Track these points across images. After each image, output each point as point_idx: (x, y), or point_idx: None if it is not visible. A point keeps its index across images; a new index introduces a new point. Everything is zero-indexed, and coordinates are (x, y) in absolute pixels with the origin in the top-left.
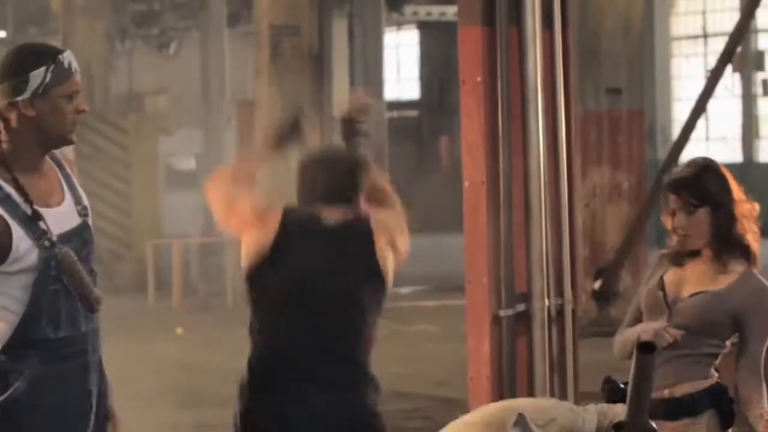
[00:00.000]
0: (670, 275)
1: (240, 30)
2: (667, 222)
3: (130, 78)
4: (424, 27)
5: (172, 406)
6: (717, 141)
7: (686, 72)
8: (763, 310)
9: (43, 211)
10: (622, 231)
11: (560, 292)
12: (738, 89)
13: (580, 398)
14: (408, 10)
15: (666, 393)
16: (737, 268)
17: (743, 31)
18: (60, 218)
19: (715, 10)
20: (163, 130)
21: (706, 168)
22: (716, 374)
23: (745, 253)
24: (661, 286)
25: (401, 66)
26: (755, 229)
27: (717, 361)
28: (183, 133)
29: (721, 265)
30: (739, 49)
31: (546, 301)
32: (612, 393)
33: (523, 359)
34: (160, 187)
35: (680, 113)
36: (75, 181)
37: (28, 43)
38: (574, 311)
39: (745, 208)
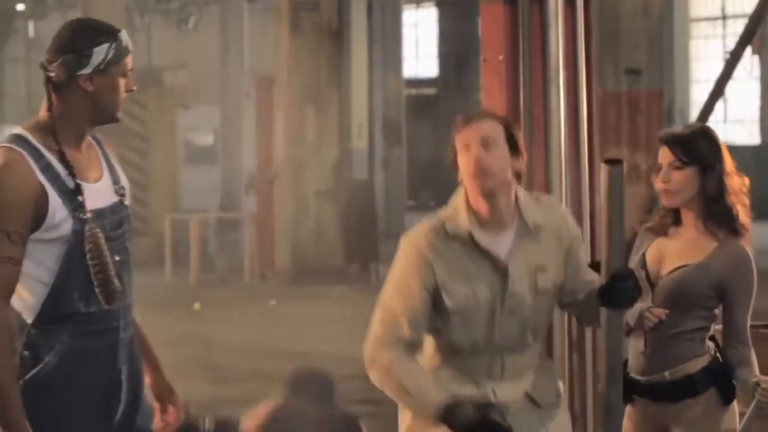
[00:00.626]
0: (652, 251)
1: (259, 5)
2: (656, 181)
3: (149, 53)
4: (443, 5)
5: (191, 381)
6: (735, 123)
7: (705, 53)
8: (744, 278)
9: (83, 185)
10: (640, 211)
11: None
12: (757, 71)
13: (598, 378)
14: None
15: (667, 375)
16: (719, 236)
17: (763, 13)
18: (96, 194)
19: None
20: (181, 105)
21: (702, 132)
22: (712, 346)
23: (731, 223)
24: (643, 263)
25: (420, 44)
26: (746, 202)
27: (710, 333)
28: (201, 109)
29: (705, 232)
30: (758, 32)
31: None
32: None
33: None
34: (179, 162)
35: (698, 95)
36: (114, 161)
37: (85, 18)
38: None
39: (736, 181)
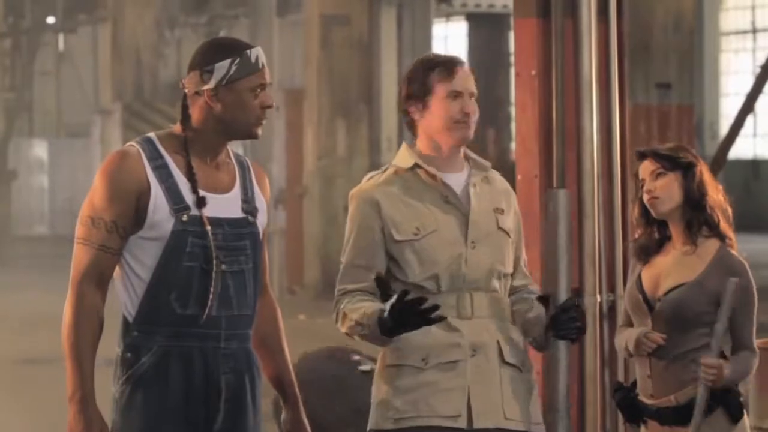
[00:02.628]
0: (647, 271)
1: (289, 19)
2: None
3: (179, 66)
4: (473, 18)
5: None
6: (765, 137)
7: (735, 67)
8: (742, 288)
9: (201, 192)
10: None
11: (612, 288)
12: None
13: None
14: (457, 1)
15: (672, 399)
16: (710, 248)
17: None
18: (215, 203)
19: (765, 5)
20: None
21: (682, 147)
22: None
23: (715, 226)
24: (640, 285)
25: None
26: (727, 213)
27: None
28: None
29: (693, 242)
30: None
31: (598, 296)
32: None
33: (574, 355)
34: None
35: (728, 109)
36: (256, 184)
37: (220, 37)
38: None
39: (716, 192)
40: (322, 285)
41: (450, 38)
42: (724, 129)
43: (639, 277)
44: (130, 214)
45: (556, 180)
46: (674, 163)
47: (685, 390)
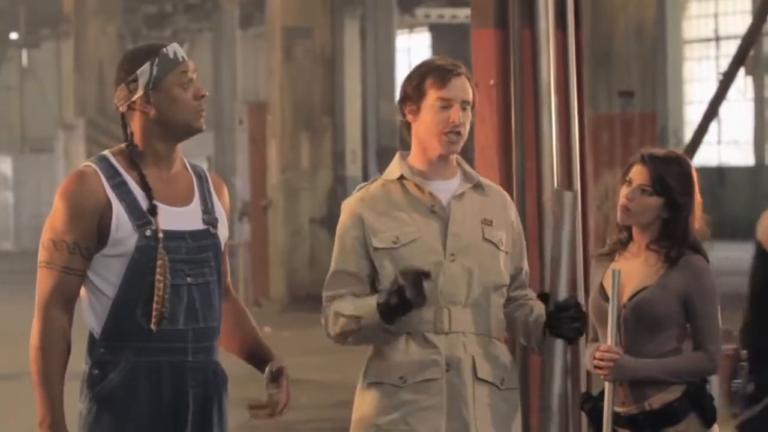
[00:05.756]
0: (609, 280)
1: (252, 32)
2: (621, 192)
3: None
4: (436, 30)
5: None
6: (729, 144)
7: (698, 75)
8: (706, 287)
9: (160, 206)
10: None
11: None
12: (750, 92)
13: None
14: (420, 12)
15: (646, 406)
16: (670, 254)
17: (755, 34)
18: (176, 217)
19: (727, 13)
20: None
21: (678, 160)
22: None
23: (689, 247)
24: (603, 294)
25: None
26: (701, 223)
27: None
28: (195, 136)
29: (656, 250)
30: (751, 53)
31: None
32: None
33: (536, 362)
34: None
35: (692, 116)
36: (215, 194)
37: (134, 47)
38: (586, 314)
39: (700, 232)
40: (288, 298)
41: (413, 50)
42: (688, 136)
43: (601, 286)
44: (92, 234)
45: (516, 189)
46: (662, 188)
47: (657, 396)
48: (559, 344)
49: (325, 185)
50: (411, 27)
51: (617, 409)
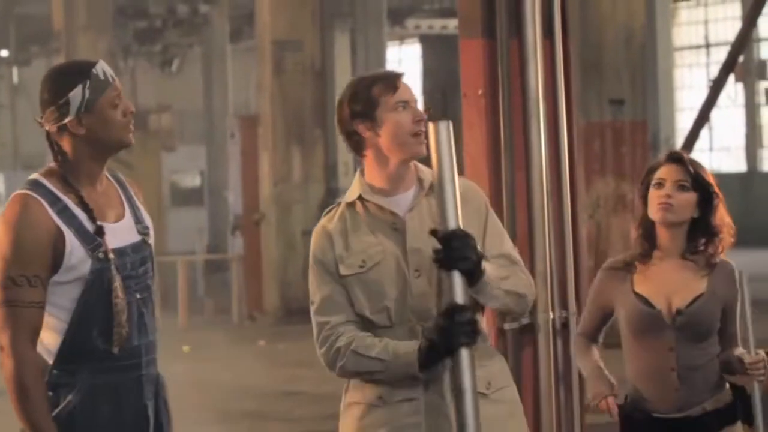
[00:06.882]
0: (645, 286)
1: (242, 45)
2: (652, 194)
3: (133, 96)
4: (426, 41)
5: (181, 423)
6: (720, 151)
7: (689, 82)
8: (737, 291)
9: (99, 222)
10: (627, 241)
11: (565, 305)
12: (741, 99)
13: (585, 410)
14: (410, 23)
15: (707, 407)
16: (707, 258)
17: (745, 40)
18: (117, 233)
19: (717, 19)
20: (167, 147)
21: (701, 164)
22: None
23: (715, 248)
24: (645, 300)
25: None
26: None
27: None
28: (187, 150)
29: (687, 257)
30: (741, 59)
31: (551, 313)
32: None
33: (529, 372)
34: (165, 205)
35: (683, 123)
36: (138, 202)
37: (58, 65)
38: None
39: (729, 234)
40: (282, 311)
41: (404, 61)
42: (680, 143)
43: (634, 293)
44: (47, 263)
45: (506, 199)
46: (698, 183)
47: (717, 396)
48: (451, 277)
49: (318, 198)
50: (401, 38)
51: (670, 415)
